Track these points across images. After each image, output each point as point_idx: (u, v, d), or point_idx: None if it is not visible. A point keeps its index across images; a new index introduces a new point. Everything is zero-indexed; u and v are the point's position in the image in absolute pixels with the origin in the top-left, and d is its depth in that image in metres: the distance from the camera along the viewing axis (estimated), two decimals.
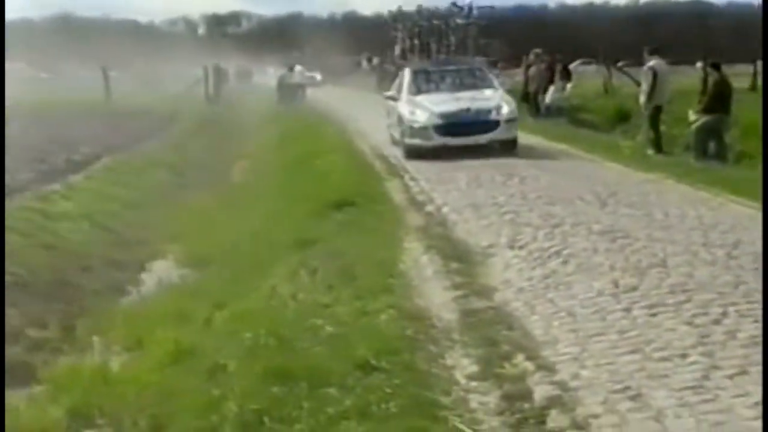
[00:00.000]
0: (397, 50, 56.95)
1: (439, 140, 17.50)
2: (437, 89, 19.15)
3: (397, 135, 18.97)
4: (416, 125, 17.74)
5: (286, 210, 12.99)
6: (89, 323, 9.12)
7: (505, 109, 18.04)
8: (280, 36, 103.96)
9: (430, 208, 12.23)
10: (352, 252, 9.36)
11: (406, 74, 19.92)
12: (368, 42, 78.90)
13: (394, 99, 19.43)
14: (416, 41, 56.04)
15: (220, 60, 53.15)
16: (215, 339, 7.32)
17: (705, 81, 17.55)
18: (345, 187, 13.42)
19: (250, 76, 65.77)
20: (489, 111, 17.89)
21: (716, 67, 17.35)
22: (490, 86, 19.46)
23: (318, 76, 64.54)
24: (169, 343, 7.41)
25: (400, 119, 18.34)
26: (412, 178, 15.08)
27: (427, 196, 13.22)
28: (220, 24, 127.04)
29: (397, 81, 20.66)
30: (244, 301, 8.51)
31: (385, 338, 6.47)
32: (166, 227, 13.91)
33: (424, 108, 17.95)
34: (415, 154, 17.59)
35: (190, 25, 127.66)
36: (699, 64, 28.51)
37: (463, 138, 17.34)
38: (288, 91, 41.17)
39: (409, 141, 17.89)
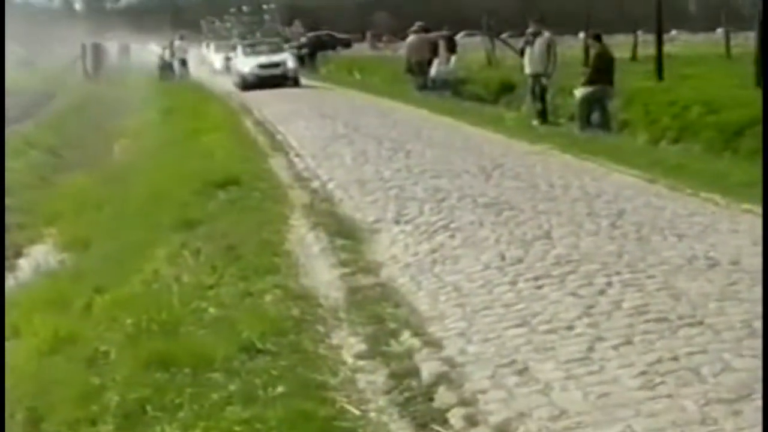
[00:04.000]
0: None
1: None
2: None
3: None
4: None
5: (169, 189, 12.71)
6: None
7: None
8: (159, 12, 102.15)
9: (315, 184, 12.10)
10: (236, 232, 9.19)
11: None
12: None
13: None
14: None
15: (99, 36, 52.13)
16: (95, 325, 7.09)
17: (588, 52, 17.76)
18: (229, 164, 13.21)
19: (129, 53, 64.17)
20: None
21: (598, 38, 17.60)
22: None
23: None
24: (47, 330, 7.16)
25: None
26: (297, 155, 14.91)
27: (311, 172, 13.08)
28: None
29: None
30: (125, 285, 8.26)
31: (270, 319, 6.34)
32: (43, 210, 13.52)
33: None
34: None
35: (66, 0, 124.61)
36: (582, 35, 28.94)
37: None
38: (169, 66, 40.79)
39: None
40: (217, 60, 46.75)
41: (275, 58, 33.75)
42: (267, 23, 42.41)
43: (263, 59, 33.49)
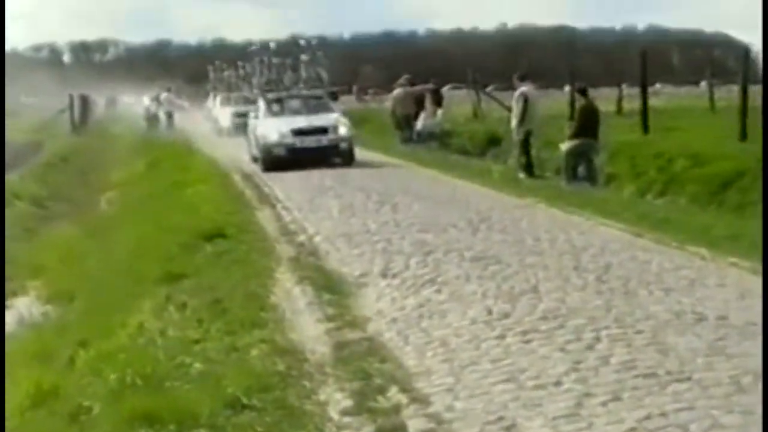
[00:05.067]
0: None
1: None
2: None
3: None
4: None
5: (155, 242, 12.66)
6: None
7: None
8: (149, 63, 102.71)
9: (301, 237, 12.07)
10: (222, 285, 9.15)
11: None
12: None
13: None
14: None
15: (87, 88, 52.27)
16: (79, 379, 7.03)
17: (573, 106, 17.87)
18: (215, 217, 13.19)
19: (116, 105, 64.36)
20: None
21: (583, 92, 17.74)
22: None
23: (185, 104, 53.70)
24: (30, 384, 7.08)
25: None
26: (284, 207, 14.91)
27: (298, 225, 13.06)
28: (86, 51, 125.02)
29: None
30: (110, 338, 8.20)
31: (256, 374, 6.29)
32: (28, 262, 13.44)
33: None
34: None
35: (55, 52, 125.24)
36: (567, 89, 29.18)
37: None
38: (155, 119, 40.79)
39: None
40: (223, 116, 37.94)
41: (319, 120, 22.12)
42: (305, 66, 26.56)
43: (301, 122, 22.02)
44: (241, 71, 38.92)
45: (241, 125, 30.04)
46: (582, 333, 6.93)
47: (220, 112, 39.20)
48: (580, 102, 17.71)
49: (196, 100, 55.17)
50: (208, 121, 42.39)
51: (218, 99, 41.74)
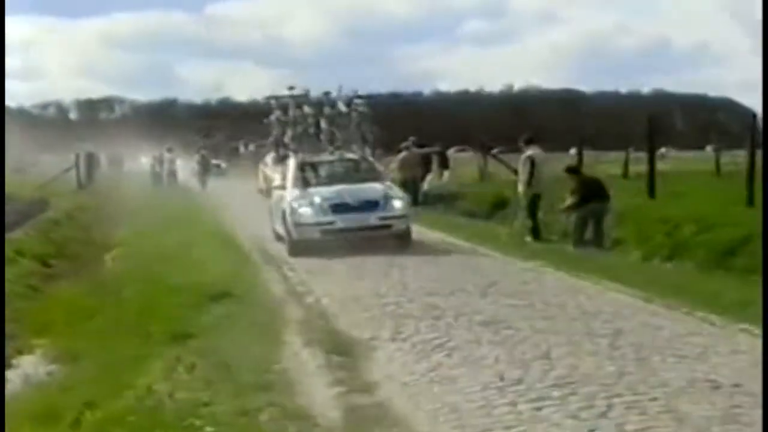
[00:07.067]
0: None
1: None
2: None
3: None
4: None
5: (162, 302, 12.61)
6: None
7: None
8: (155, 121, 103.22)
9: (309, 299, 12.02)
10: (230, 347, 9.09)
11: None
12: (244, 128, 78.76)
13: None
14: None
15: (93, 145, 52.71)
16: None
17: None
18: (221, 277, 13.15)
19: (122, 163, 64.76)
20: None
21: (575, 171, 18.00)
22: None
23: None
24: None
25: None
26: (291, 269, 14.86)
27: (306, 287, 13.01)
28: (92, 109, 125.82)
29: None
30: (117, 399, 8.12)
31: None
32: (32, 320, 13.36)
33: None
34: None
35: (61, 109, 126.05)
36: (572, 151, 29.31)
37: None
38: (159, 178, 42.89)
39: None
40: (298, 204, 17.28)
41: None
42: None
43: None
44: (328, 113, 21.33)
45: (336, 227, 17.00)
46: (595, 400, 6.85)
47: (292, 195, 17.85)
48: (574, 181, 17.61)
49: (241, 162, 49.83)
50: (259, 202, 26.28)
51: (292, 166, 19.06)
